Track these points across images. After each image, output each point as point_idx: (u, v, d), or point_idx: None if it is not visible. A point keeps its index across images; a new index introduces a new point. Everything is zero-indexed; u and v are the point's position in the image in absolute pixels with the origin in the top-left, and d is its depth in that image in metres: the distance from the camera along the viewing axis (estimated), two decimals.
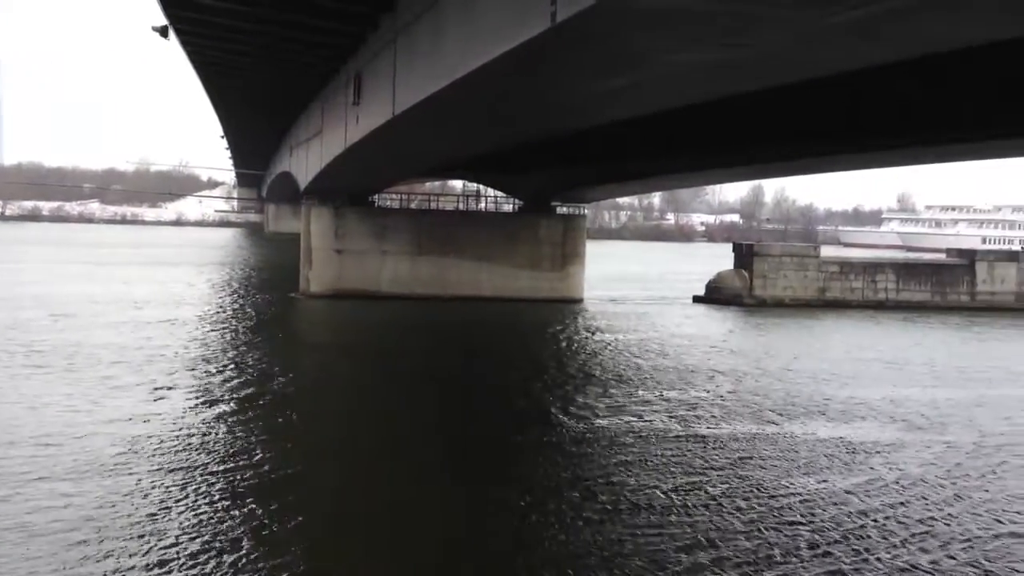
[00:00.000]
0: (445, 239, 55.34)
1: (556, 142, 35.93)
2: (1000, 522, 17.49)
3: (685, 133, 34.90)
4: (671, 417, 25.34)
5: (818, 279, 59.93)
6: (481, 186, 64.31)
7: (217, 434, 21.91)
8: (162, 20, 32.94)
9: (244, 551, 14.64)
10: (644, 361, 35.25)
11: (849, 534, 16.40)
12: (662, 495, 18.35)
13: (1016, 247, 77.70)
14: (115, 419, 22.59)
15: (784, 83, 18.42)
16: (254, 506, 16.77)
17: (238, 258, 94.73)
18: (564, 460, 20.98)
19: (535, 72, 17.86)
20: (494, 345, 41.44)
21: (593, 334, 43.36)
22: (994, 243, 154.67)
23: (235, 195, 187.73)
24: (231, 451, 20.41)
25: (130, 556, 14.19)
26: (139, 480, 17.88)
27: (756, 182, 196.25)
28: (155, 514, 16.04)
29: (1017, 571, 15.12)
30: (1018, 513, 18.08)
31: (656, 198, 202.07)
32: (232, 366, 30.84)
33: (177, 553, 14.40)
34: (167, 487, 17.54)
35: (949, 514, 17.79)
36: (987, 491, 19.52)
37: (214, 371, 29.79)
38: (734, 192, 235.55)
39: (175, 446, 20.48)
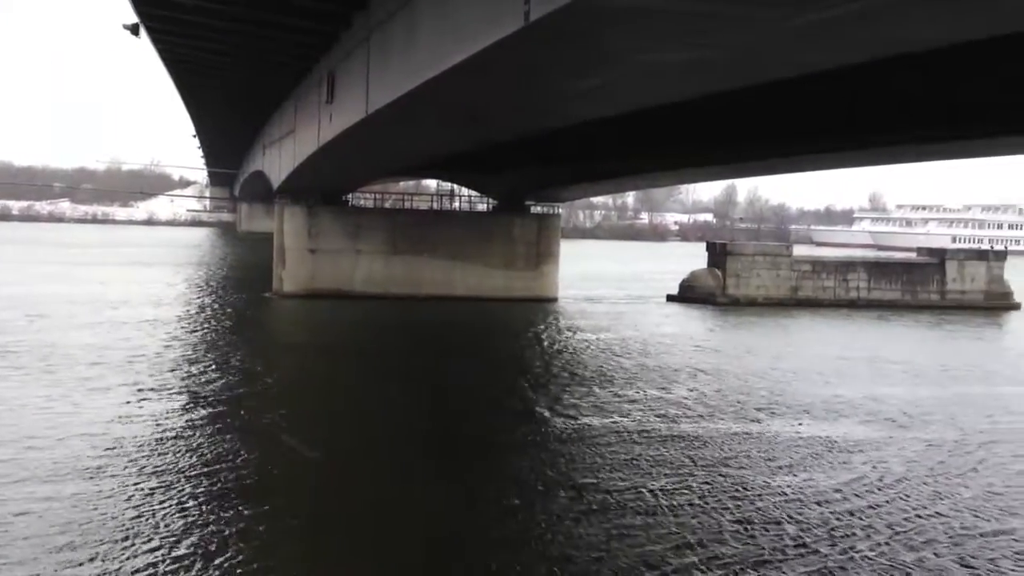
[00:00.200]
0: (419, 238, 55.27)
1: (530, 141, 35.99)
2: (980, 519, 17.71)
3: (658, 132, 35.03)
4: (657, 416, 25.41)
5: (790, 278, 60.33)
6: (455, 185, 64.27)
7: (200, 435, 21.75)
8: (133, 18, 32.75)
9: (231, 551, 14.59)
10: (628, 360, 35.35)
11: (833, 532, 16.53)
12: (648, 494, 18.39)
13: (985, 246, 78.49)
14: (95, 420, 22.38)
15: (755, 83, 18.55)
16: (240, 506, 16.70)
17: (210, 257, 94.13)
18: (549, 459, 21.00)
19: (509, 71, 17.90)
20: (472, 344, 41.44)
21: (573, 333, 43.44)
22: (964, 242, 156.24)
23: (207, 194, 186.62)
24: (216, 453, 20.25)
25: (115, 559, 14.13)
26: (121, 482, 17.72)
27: (729, 182, 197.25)
28: (138, 517, 15.90)
29: (1000, 568, 15.30)
30: (999, 509, 18.31)
31: (630, 197, 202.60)
32: (212, 367, 30.67)
33: (163, 556, 14.32)
34: (150, 489, 17.40)
35: (936, 512, 17.93)
36: (968, 487, 19.74)
37: (195, 372, 29.59)
38: (708, 192, 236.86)
39: (158, 448, 20.30)
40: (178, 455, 19.87)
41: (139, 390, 26.20)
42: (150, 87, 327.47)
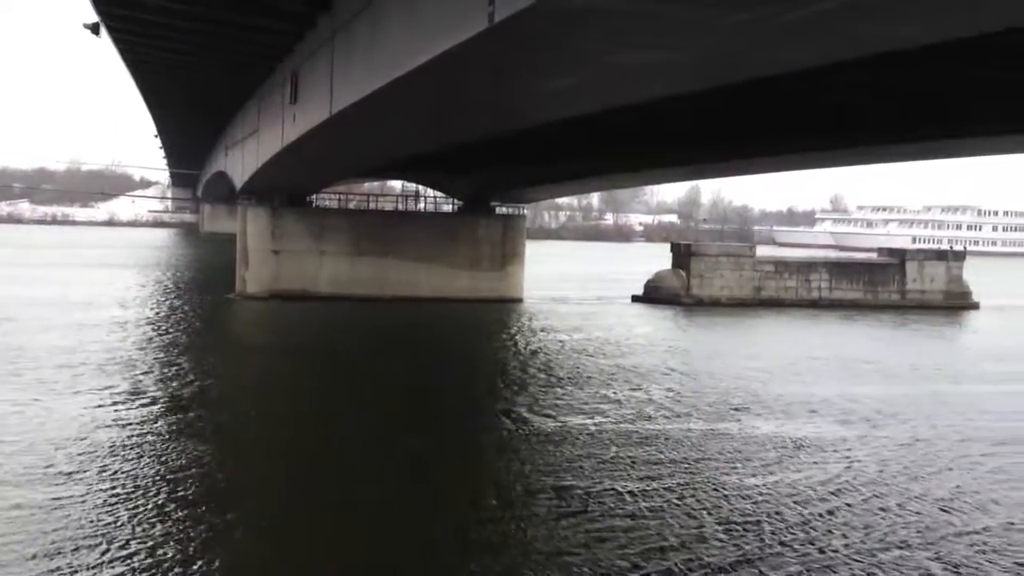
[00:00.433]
0: (384, 239, 55.08)
1: (495, 142, 36.03)
2: (948, 512, 17.97)
3: (621, 133, 35.21)
4: (635, 415, 25.52)
5: (754, 278, 60.82)
6: (420, 186, 64.22)
7: (170, 437, 21.55)
8: (94, 17, 32.41)
9: (197, 552, 14.50)
10: (602, 360, 35.39)
11: (811, 530, 16.63)
12: (627, 495, 18.39)
13: (945, 247, 79.58)
14: (64, 423, 22.09)
15: (718, 85, 18.68)
16: (204, 509, 16.58)
17: (172, 258, 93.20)
18: (528, 459, 20.98)
19: (473, 72, 17.92)
20: (439, 345, 41.30)
21: (535, 334, 43.49)
22: (924, 243, 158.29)
23: (169, 195, 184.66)
24: (187, 455, 20.04)
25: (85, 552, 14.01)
26: (89, 485, 17.52)
27: (694, 183, 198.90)
28: (108, 519, 15.74)
29: (982, 563, 15.46)
30: (971, 507, 18.49)
31: (595, 198, 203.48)
32: (168, 369, 30.43)
33: (131, 555, 14.20)
34: (122, 491, 17.24)
35: (912, 510, 18.05)
36: (944, 487, 19.89)
37: (161, 376, 29.31)
38: (672, 193, 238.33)
39: (130, 452, 20.04)
40: (150, 457, 19.70)
41: (106, 391, 25.95)
42: (111, 87, 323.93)
